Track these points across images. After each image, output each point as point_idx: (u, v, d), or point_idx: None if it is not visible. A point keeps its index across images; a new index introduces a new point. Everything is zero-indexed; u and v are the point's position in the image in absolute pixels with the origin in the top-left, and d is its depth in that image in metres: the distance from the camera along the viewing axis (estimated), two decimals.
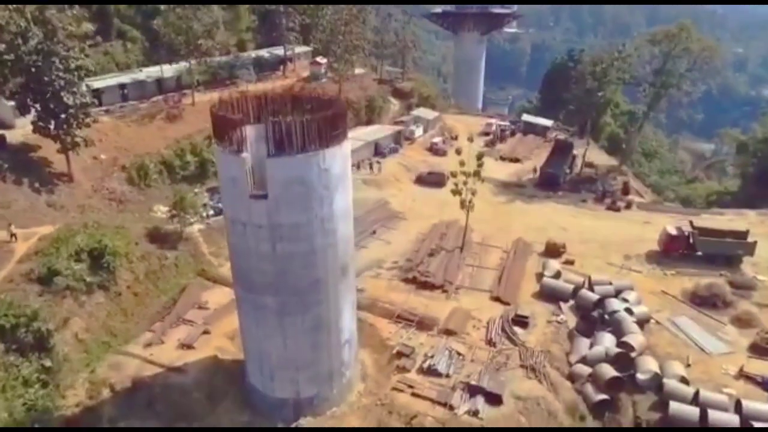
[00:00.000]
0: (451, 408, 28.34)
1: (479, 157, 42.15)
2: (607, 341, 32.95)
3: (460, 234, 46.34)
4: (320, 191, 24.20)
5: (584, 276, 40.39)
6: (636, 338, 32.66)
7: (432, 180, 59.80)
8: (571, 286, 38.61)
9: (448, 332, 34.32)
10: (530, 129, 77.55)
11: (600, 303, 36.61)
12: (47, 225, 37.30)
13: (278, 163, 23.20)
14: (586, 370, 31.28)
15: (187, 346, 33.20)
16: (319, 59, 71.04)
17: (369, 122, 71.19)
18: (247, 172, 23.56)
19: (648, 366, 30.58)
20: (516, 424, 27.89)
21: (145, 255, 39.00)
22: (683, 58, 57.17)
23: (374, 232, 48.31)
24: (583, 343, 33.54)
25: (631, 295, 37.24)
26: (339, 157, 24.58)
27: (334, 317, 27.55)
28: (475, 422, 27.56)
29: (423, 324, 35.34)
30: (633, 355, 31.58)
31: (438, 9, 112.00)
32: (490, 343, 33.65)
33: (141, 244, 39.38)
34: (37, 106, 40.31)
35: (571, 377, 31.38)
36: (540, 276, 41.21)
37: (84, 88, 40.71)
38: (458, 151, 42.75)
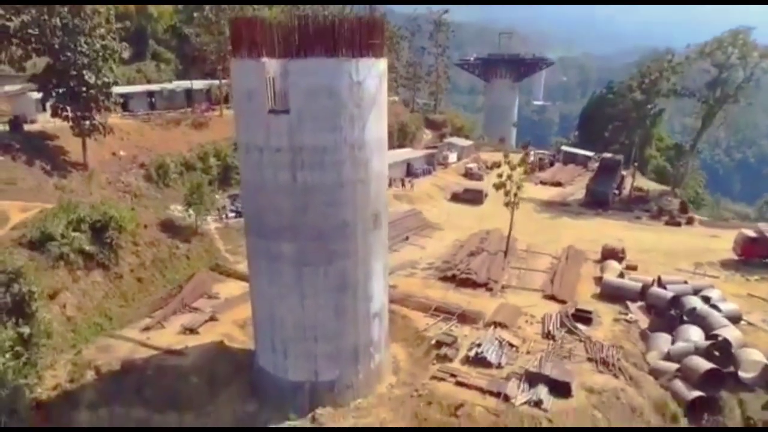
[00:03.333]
0: (507, 398, 22.55)
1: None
2: (694, 335, 26.94)
3: (502, 241, 41.35)
4: (351, 108, 20.43)
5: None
6: (730, 332, 26.61)
7: (468, 197, 55.64)
8: (638, 284, 32.96)
9: (497, 325, 28.83)
10: (570, 159, 73.42)
11: (676, 302, 30.78)
12: (52, 204, 34.21)
13: (303, 66, 19.72)
14: (671, 366, 25.21)
15: (189, 330, 28.54)
16: None
17: (401, 147, 68.40)
18: (266, 82, 20.09)
19: (753, 358, 24.38)
20: (590, 421, 21.87)
21: (154, 241, 35.23)
22: (738, 68, 53.34)
23: (407, 238, 43.86)
24: (663, 339, 27.57)
25: (713, 293, 31.32)
26: (374, 74, 20.96)
27: (363, 277, 22.81)
28: (538, 414, 21.67)
29: (466, 317, 29.98)
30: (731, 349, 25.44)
31: (469, 57, 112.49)
32: (549, 336, 27.98)
33: (151, 230, 35.78)
34: (60, 90, 38.53)
35: (654, 374, 25.27)
36: (599, 280, 35.70)
37: (108, 68, 38.77)
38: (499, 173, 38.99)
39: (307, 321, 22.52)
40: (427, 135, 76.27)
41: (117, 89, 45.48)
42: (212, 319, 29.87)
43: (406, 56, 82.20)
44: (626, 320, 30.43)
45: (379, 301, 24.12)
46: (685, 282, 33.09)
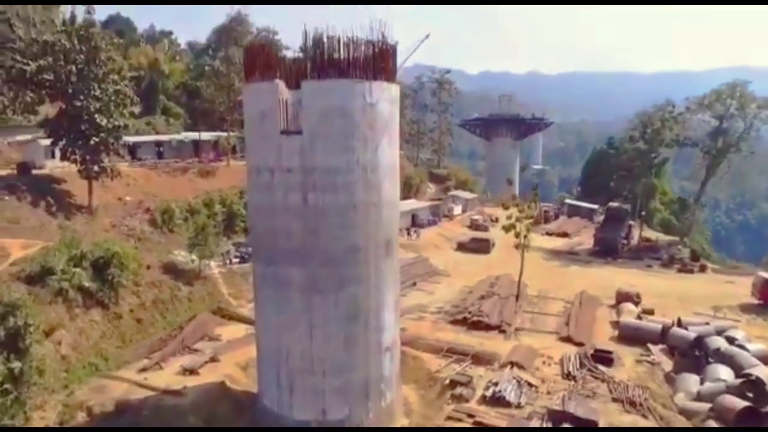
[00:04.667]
0: None
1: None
2: (723, 375, 25.42)
3: (513, 286, 40.32)
4: (364, 129, 20.29)
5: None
6: (762, 370, 25.11)
7: (475, 246, 54.85)
8: (658, 326, 31.63)
9: (513, 365, 27.33)
10: (574, 212, 73.27)
11: (699, 342, 29.31)
12: (54, 243, 33.57)
13: (317, 87, 19.80)
14: (703, 405, 23.59)
15: (189, 371, 27.07)
16: None
17: (406, 199, 68.41)
18: (279, 102, 20.08)
19: None
20: None
21: (155, 282, 34.40)
22: (738, 119, 54.18)
23: (414, 284, 42.89)
24: (692, 380, 25.98)
25: (737, 333, 29.99)
26: (387, 97, 21.04)
27: (375, 306, 21.81)
28: None
29: (480, 359, 28.56)
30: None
31: (471, 117, 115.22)
32: (569, 376, 26.45)
33: (153, 272, 34.94)
34: (71, 135, 38.86)
35: (684, 415, 23.58)
36: (615, 324, 34.41)
37: (119, 113, 39.24)
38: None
39: (315, 353, 21.28)
40: (431, 188, 76.70)
41: (127, 138, 46.04)
42: (213, 360, 28.47)
43: (409, 114, 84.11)
44: (649, 362, 28.93)
45: (390, 335, 22.95)
46: (707, 323, 31.80)
